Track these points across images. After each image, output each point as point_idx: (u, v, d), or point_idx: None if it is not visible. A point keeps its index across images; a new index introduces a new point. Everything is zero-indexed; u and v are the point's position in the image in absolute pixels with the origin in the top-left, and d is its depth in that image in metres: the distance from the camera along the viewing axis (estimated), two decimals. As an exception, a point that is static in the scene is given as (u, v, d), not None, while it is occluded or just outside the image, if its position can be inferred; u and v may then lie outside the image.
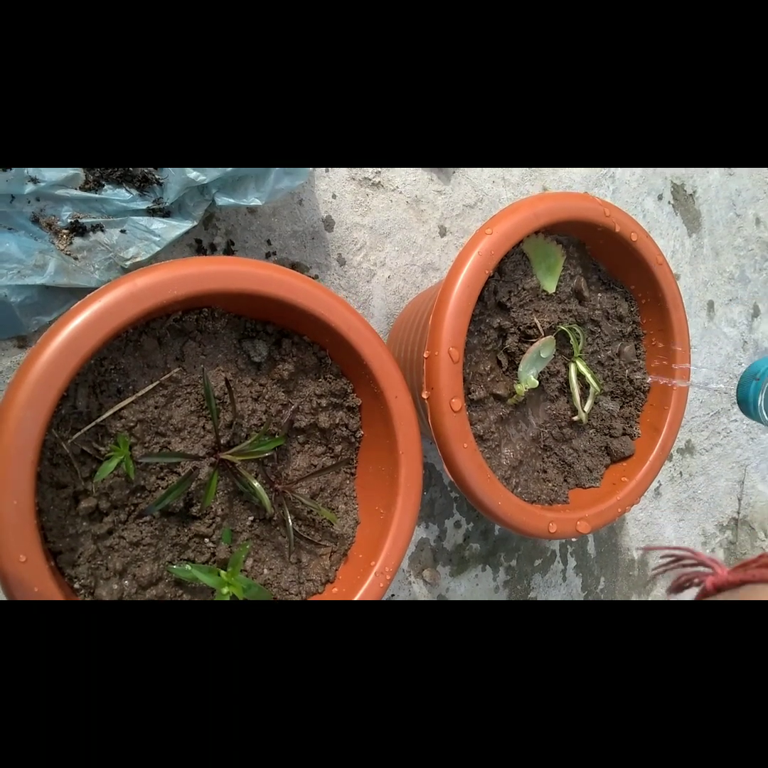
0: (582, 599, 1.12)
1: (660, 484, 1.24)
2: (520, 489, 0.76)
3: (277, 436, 0.65)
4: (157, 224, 0.73)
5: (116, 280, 0.55)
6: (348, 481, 0.71)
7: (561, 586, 1.10)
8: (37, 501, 0.52)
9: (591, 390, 0.80)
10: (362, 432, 0.70)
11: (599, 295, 0.82)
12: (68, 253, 0.74)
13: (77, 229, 0.73)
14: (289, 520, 0.65)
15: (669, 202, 1.23)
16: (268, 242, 0.83)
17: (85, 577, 0.56)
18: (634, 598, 1.20)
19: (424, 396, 0.68)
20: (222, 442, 0.62)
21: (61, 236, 0.74)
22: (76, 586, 0.56)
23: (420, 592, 0.97)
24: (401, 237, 0.93)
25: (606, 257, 0.82)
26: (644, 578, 1.21)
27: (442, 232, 0.96)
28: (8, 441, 0.49)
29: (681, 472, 1.28)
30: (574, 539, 1.11)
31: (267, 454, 0.64)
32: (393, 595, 0.94)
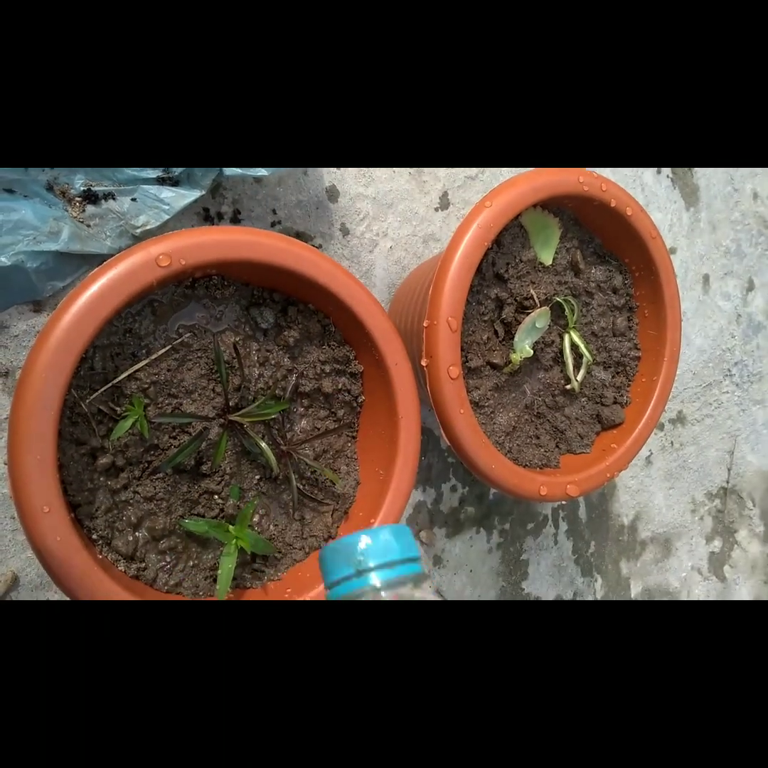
0: (572, 560, 1.17)
1: (651, 453, 1.28)
2: (513, 454, 0.79)
3: (282, 400, 0.68)
4: (167, 193, 0.75)
5: (131, 249, 0.57)
6: (349, 444, 0.75)
7: (552, 549, 1.14)
8: (58, 456, 0.55)
9: (584, 360, 0.83)
10: (364, 397, 0.74)
11: (594, 267, 0.84)
12: (81, 220, 0.76)
13: (90, 197, 0.75)
14: (294, 480, 0.68)
15: (668, 176, 1.25)
16: (274, 211, 0.86)
17: (102, 528, 0.60)
18: (622, 562, 1.24)
19: (424, 363, 0.71)
20: (231, 404, 0.65)
21: (75, 204, 0.76)
22: (94, 537, 0.59)
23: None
24: (403, 208, 0.95)
25: (601, 230, 0.84)
26: (633, 543, 1.26)
27: (444, 203, 0.99)
28: (32, 400, 0.52)
29: (672, 442, 1.32)
30: (564, 503, 1.15)
31: (273, 417, 0.67)
32: (391, 555, 0.98)
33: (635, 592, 1.27)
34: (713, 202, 1.32)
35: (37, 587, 0.76)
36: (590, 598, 1.20)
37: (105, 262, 0.57)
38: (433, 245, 0.97)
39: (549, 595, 1.15)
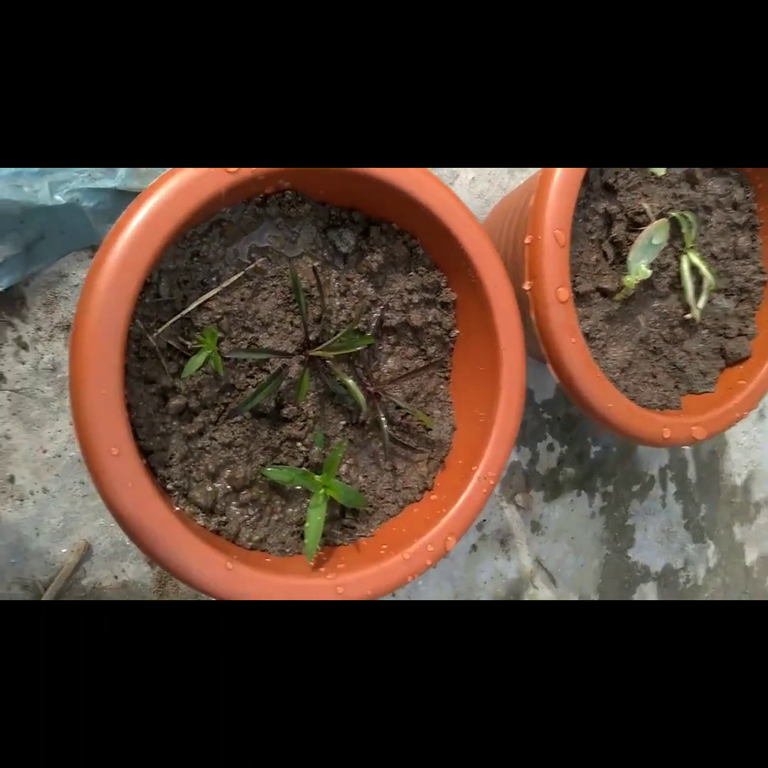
0: (682, 525, 1.05)
1: (764, 405, 1.15)
2: (629, 393, 0.70)
3: (366, 335, 0.60)
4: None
5: (195, 157, 0.50)
6: (442, 386, 0.66)
7: (660, 513, 1.03)
8: (126, 395, 0.49)
9: (705, 285, 0.72)
10: (457, 331, 0.65)
11: (711, 179, 0.73)
12: (139, 157, 0.70)
13: (147, 130, 0.69)
14: (384, 424, 0.60)
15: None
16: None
17: (178, 478, 0.53)
18: (736, 527, 1.12)
19: (526, 287, 0.62)
20: (311, 338, 0.58)
21: (131, 139, 0.70)
22: (169, 487, 0.53)
23: (512, 517, 0.92)
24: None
25: (719, 137, 0.73)
26: (747, 505, 1.14)
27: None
28: (94, 326, 0.46)
29: (786, 394, 1.18)
30: (672, 463, 1.04)
31: (357, 351, 0.59)
32: (484, 520, 0.90)
33: (750, 559, 1.15)
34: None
35: (111, 556, 0.71)
36: (703, 566, 1.09)
37: (165, 172, 0.50)
38: (520, 175, 0.88)
39: (658, 563, 1.04)
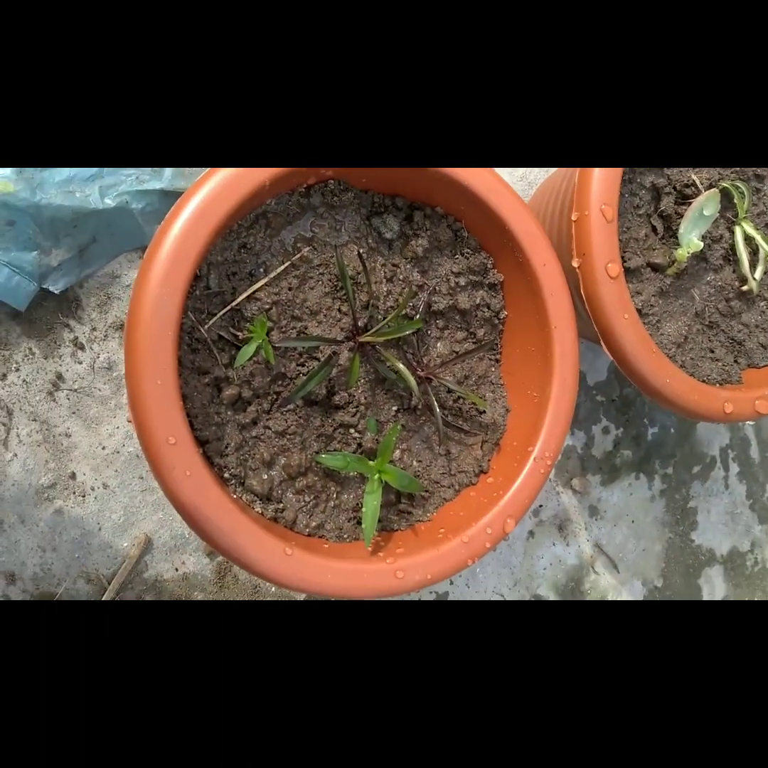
0: (747, 506, 1.02)
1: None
2: (686, 369, 0.68)
3: (415, 319, 0.60)
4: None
5: (239, 149, 0.51)
6: (493, 369, 0.66)
7: (723, 494, 1.00)
8: (180, 385, 0.50)
9: (761, 255, 0.70)
10: (506, 312, 0.64)
11: (765, 145, 0.71)
12: (183, 156, 0.71)
13: (191, 129, 0.70)
14: (436, 408, 0.60)
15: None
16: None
17: (234, 466, 0.54)
18: (804, 508, 1.08)
19: (575, 264, 0.61)
20: (359, 325, 0.58)
21: (175, 139, 0.71)
22: (226, 475, 0.54)
23: (569, 502, 0.90)
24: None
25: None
26: (816, 486, 1.09)
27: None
28: (147, 318, 0.47)
29: None
30: (733, 442, 1.01)
31: (406, 335, 0.59)
32: (541, 506, 0.89)
33: (821, 542, 1.10)
34: None
35: (172, 549, 0.72)
36: (771, 550, 1.05)
37: (210, 168, 0.51)
38: (562, 155, 0.86)
39: (723, 546, 1.01)
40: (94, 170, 0.67)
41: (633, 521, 0.94)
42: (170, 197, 0.70)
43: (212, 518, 0.48)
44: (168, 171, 0.69)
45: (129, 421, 0.70)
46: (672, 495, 0.97)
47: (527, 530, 0.88)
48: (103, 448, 0.69)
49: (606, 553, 0.92)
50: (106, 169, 0.67)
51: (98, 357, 0.69)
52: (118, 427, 0.70)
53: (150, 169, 0.69)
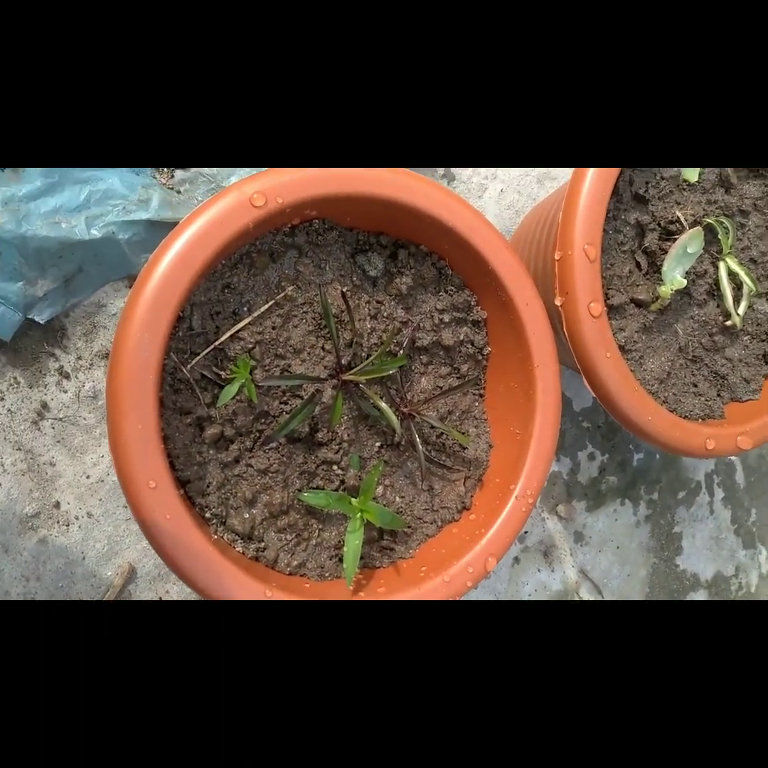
0: (732, 531, 1.03)
1: (815, 406, 1.11)
2: (669, 404, 0.68)
3: (399, 356, 0.61)
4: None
5: (222, 191, 0.51)
6: (477, 404, 0.66)
7: (708, 519, 1.01)
8: (162, 427, 0.50)
9: (745, 290, 0.70)
10: (489, 348, 0.65)
11: (747, 182, 0.72)
12: (170, 186, 0.72)
13: (178, 160, 0.70)
14: (419, 444, 0.60)
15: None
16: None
17: (215, 506, 0.54)
18: (789, 532, 1.09)
19: (558, 302, 0.61)
20: (343, 362, 0.58)
21: (162, 170, 0.71)
22: (208, 515, 0.54)
23: (555, 528, 0.91)
24: (512, 146, 0.85)
25: (755, 137, 0.71)
26: (800, 510, 1.10)
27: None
28: (128, 363, 0.47)
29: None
30: (719, 468, 1.01)
31: (390, 374, 0.59)
32: (526, 532, 0.89)
33: (806, 565, 1.11)
34: None
35: (155, 579, 0.72)
36: (755, 572, 1.06)
37: (196, 207, 0.51)
38: (549, 184, 0.87)
39: (708, 571, 1.02)
40: (80, 201, 0.67)
41: (618, 547, 0.94)
42: (157, 227, 0.70)
43: (190, 562, 0.48)
44: (155, 201, 0.69)
45: (114, 450, 0.70)
46: (657, 520, 0.97)
47: (512, 556, 0.88)
48: (88, 476, 0.69)
49: (590, 578, 0.92)
50: (91, 200, 0.67)
51: (83, 386, 0.69)
52: (102, 456, 0.70)
53: (136, 198, 0.69)
